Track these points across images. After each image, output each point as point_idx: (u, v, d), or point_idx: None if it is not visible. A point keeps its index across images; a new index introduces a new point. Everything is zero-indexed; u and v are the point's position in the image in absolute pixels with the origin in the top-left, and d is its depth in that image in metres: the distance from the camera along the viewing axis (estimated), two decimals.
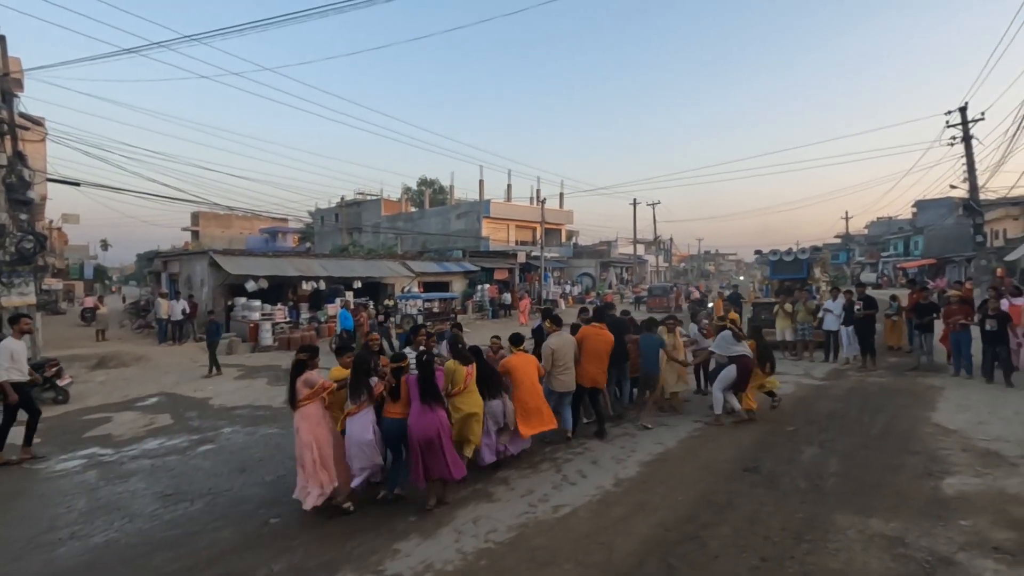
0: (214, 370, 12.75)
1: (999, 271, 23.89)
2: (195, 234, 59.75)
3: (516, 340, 6.49)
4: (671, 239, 63.42)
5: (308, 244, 49.96)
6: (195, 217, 59.40)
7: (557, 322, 7.00)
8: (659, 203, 50.36)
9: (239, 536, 4.55)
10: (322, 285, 20.83)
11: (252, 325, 17.48)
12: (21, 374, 6.83)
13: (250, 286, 18.46)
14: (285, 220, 52.47)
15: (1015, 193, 28.22)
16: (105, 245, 75.41)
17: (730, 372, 7.24)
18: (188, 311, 17.89)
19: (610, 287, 42.94)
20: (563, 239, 44.99)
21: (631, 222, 44.90)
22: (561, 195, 45.09)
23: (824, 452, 6.07)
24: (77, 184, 14.23)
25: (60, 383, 10.14)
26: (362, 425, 4.92)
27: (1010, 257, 29.41)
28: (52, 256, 36.21)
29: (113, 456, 6.97)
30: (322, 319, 19.72)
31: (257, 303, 18.18)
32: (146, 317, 21.94)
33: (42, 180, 17.94)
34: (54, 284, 36.25)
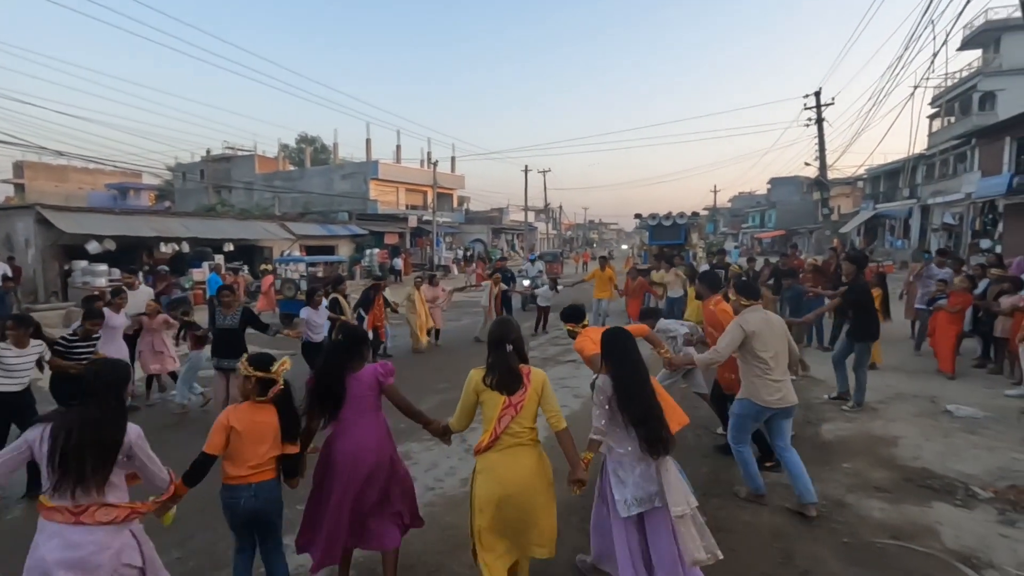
0: None
1: (835, 241, 27.46)
2: (19, 188, 50.42)
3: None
4: (560, 207, 65.03)
5: (167, 203, 44.22)
6: (19, 168, 50.02)
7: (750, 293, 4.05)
8: (550, 171, 51.09)
9: None
10: (185, 248, 18.51)
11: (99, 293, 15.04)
12: None
13: (92, 248, 15.84)
14: (138, 175, 46.09)
15: (850, 173, 32.38)
16: None
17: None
18: (11, 275, 14.93)
19: (501, 253, 43.18)
20: (455, 204, 44.16)
21: (522, 189, 45.10)
22: (453, 159, 44.00)
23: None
24: None
25: None
26: None
27: (843, 229, 33.99)
28: None
29: None
30: (186, 285, 17.54)
31: (103, 267, 15.68)
32: None
33: None
34: None
